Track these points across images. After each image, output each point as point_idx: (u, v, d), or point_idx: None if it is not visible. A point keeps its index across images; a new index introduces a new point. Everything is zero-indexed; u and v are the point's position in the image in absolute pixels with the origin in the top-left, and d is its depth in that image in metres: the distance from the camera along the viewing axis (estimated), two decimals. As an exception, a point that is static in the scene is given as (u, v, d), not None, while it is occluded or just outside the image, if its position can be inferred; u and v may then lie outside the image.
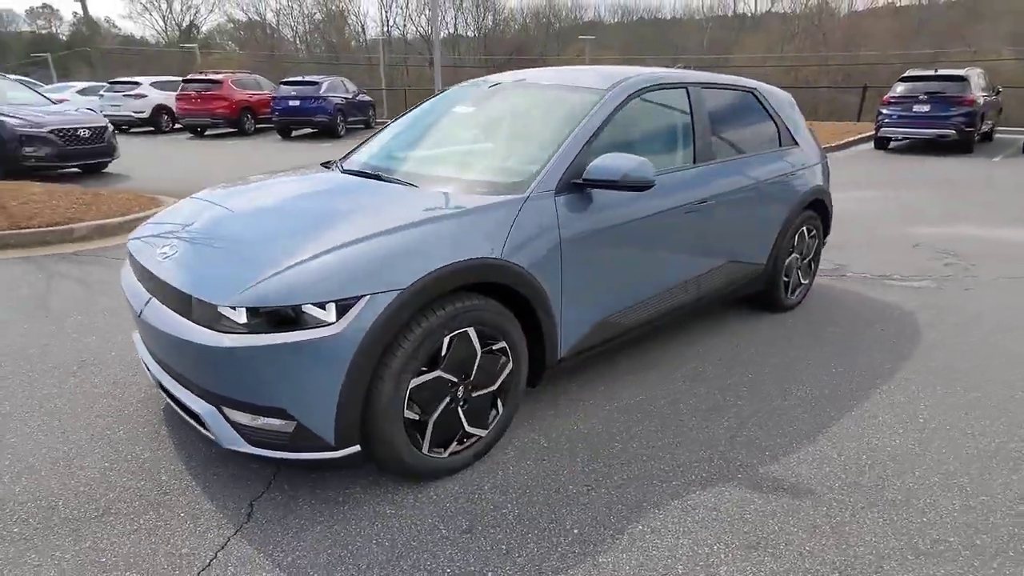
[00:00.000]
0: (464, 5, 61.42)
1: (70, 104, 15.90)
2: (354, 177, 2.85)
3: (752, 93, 3.64)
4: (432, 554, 1.95)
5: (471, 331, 2.21)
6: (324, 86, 15.83)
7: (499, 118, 3.13)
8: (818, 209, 4.08)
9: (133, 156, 11.58)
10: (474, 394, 2.30)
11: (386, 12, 60.22)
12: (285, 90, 15.97)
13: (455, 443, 2.31)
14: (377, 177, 2.79)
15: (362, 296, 1.93)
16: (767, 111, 3.71)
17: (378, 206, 2.42)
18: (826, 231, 4.28)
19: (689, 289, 3.20)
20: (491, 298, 2.28)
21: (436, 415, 2.20)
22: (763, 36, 50.76)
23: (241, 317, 1.91)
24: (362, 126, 17.56)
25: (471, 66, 48.57)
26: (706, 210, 3.12)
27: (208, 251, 2.22)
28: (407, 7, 60.59)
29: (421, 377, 2.12)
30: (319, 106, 15.61)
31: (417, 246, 2.09)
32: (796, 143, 3.87)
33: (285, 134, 16.38)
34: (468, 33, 61.47)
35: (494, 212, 2.32)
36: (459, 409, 2.27)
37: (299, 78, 16.34)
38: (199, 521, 2.08)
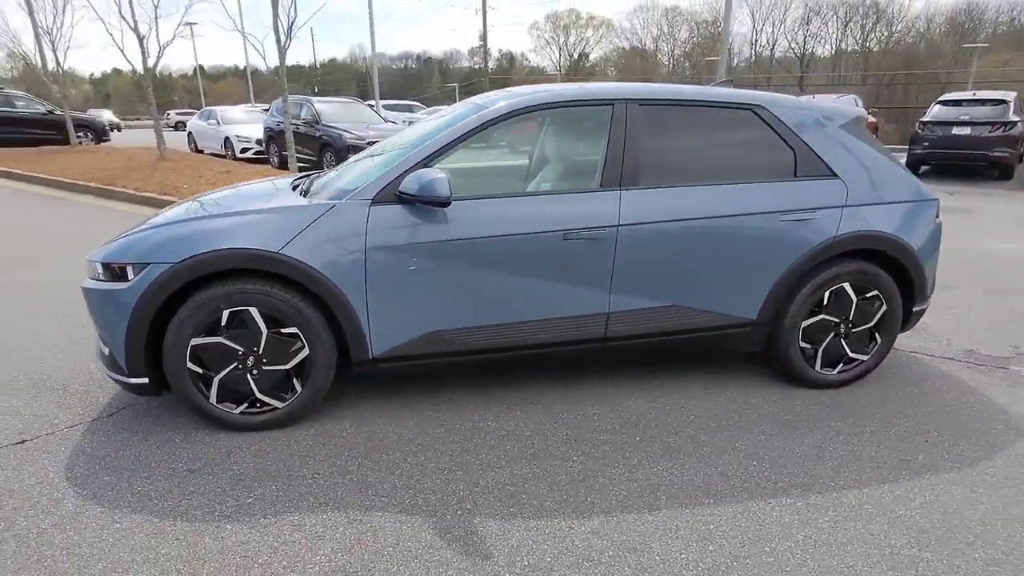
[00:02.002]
0: (852, 18, 55.19)
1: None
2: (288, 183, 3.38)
3: (752, 111, 2.94)
4: (149, 474, 2.42)
5: (253, 311, 2.58)
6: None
7: (420, 131, 3.29)
8: (878, 261, 3.03)
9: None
10: (265, 368, 2.66)
11: (756, 32, 58.24)
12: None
13: (246, 405, 2.70)
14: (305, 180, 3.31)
15: (148, 263, 2.51)
16: (777, 133, 2.94)
17: (239, 204, 2.90)
18: (909, 295, 3.12)
19: (585, 327, 2.85)
20: (288, 288, 2.60)
21: (222, 375, 2.64)
22: None
23: (99, 268, 2.68)
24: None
25: (836, 84, 43.42)
26: (610, 239, 2.75)
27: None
28: (783, 23, 57.41)
29: (204, 339, 2.58)
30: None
31: (209, 231, 2.56)
32: (833, 174, 2.95)
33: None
34: (850, 48, 55.12)
35: (296, 213, 2.62)
36: (248, 376, 2.66)
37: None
38: (87, 407, 2.94)
